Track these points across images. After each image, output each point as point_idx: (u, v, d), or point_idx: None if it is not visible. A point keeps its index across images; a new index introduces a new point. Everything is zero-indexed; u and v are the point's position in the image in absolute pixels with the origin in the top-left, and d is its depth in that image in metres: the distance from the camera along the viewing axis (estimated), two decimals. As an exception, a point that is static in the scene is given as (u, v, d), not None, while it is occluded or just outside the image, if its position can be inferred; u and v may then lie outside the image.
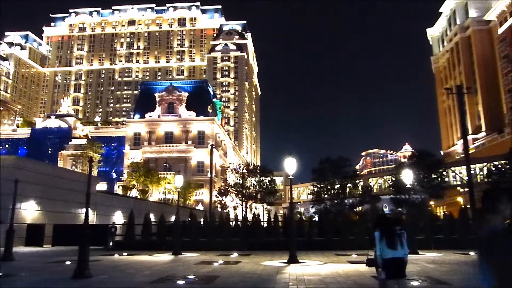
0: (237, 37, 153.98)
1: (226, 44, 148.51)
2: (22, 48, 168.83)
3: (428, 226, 24.86)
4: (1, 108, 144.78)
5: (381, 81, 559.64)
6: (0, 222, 22.92)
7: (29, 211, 28.62)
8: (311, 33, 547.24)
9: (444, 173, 48.65)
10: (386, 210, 60.80)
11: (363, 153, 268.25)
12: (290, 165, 17.83)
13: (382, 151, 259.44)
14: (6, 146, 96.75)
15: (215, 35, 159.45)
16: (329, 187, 44.73)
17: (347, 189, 46.13)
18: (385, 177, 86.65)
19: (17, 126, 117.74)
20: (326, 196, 45.12)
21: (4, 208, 24.32)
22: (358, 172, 61.41)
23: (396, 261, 6.87)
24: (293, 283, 11.37)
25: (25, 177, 25.89)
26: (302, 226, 27.00)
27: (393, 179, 48.14)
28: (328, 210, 41.11)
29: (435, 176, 42.64)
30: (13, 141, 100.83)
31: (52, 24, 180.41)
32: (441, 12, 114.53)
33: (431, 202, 61.43)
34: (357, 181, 49.16)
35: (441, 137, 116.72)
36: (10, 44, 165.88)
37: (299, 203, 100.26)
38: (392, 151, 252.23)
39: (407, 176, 23.99)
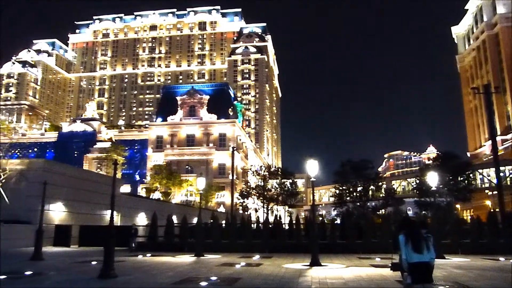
0: (257, 39, 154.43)
1: (246, 47, 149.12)
2: (49, 55, 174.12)
3: (455, 230, 24.22)
4: (30, 113, 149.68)
5: (402, 82, 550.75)
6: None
7: (57, 213, 29.41)
8: (330, 34, 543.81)
9: (471, 175, 47.46)
10: (410, 213, 59.72)
11: (385, 155, 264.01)
12: (312, 167, 17.69)
13: (406, 153, 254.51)
14: (35, 149, 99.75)
15: (235, 38, 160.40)
16: (351, 189, 44.32)
17: (370, 192, 45.58)
18: (408, 180, 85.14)
19: (45, 130, 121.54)
20: (348, 198, 44.70)
21: (33, 210, 25.09)
22: (380, 175, 60.61)
23: (423, 266, 6.73)
24: (316, 286, 11.29)
25: (53, 180, 26.59)
26: (324, 228, 26.72)
27: (417, 181, 47.29)
28: (351, 213, 40.70)
29: (462, 178, 41.66)
30: (41, 144, 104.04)
31: (77, 31, 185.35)
32: (467, 10, 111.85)
33: (458, 206, 59.91)
34: (380, 184, 48.47)
35: (467, 138, 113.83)
36: (38, 51, 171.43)
37: (320, 206, 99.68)
38: (416, 153, 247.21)
39: (432, 179, 23.38)
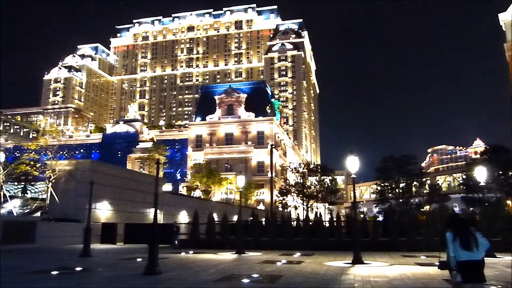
0: (293, 36, 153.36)
1: (282, 44, 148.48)
2: (93, 59, 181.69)
3: (506, 227, 22.99)
4: (76, 116, 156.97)
5: (445, 73, 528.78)
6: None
7: (103, 211, 30.63)
8: (369, 27, 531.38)
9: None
10: (456, 209, 57.46)
11: (429, 150, 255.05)
12: (353, 163, 17.35)
13: (450, 147, 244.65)
14: (81, 150, 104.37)
15: (271, 35, 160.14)
16: (393, 185, 43.22)
17: (413, 188, 44.28)
18: (454, 175, 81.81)
19: (90, 132, 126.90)
20: (390, 195, 43.62)
21: (81, 208, 26.27)
22: (424, 170, 58.50)
23: (472, 264, 6.44)
24: (359, 285, 11.07)
25: (99, 179, 27.68)
26: (365, 226, 26.16)
27: (464, 176, 45.42)
28: (393, 210, 39.68)
29: (513, 173, 39.53)
30: (87, 145, 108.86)
31: (118, 35, 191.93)
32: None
33: (509, 202, 56.97)
34: (424, 179, 46.91)
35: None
36: (82, 56, 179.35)
37: (361, 203, 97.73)
38: (461, 147, 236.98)
39: (480, 174, 22.28)
